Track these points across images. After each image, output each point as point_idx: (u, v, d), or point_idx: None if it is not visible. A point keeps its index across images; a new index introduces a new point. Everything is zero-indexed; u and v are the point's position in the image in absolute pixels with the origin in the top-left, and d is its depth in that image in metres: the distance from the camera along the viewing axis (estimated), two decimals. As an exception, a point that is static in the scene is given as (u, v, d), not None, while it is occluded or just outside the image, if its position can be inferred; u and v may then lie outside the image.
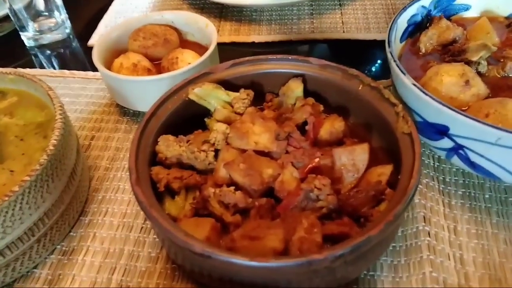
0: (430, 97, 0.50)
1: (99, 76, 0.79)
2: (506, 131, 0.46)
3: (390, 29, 0.60)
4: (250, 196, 0.49)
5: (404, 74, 0.53)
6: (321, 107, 0.59)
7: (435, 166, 0.62)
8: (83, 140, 0.69)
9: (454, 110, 0.48)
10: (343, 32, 0.90)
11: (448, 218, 0.56)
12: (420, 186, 0.59)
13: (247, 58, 0.62)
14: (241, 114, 0.58)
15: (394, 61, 0.55)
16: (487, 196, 0.58)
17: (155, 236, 0.56)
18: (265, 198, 0.49)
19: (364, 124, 0.59)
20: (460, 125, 0.49)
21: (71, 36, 0.95)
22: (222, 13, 0.98)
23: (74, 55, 0.93)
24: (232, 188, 0.49)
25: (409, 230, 0.54)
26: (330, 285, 0.44)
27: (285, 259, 0.39)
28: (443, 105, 0.49)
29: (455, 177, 0.60)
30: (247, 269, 0.40)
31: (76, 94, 0.78)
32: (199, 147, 0.53)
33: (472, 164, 0.53)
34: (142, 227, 0.57)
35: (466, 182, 0.60)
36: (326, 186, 0.48)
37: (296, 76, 0.61)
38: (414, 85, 0.52)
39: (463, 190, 0.59)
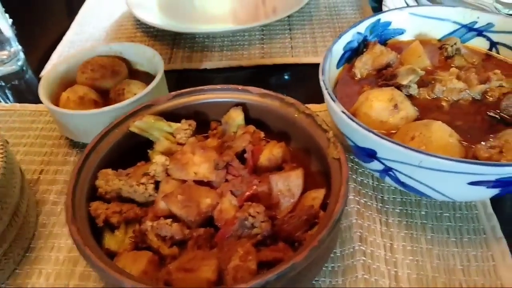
0: (357, 123, 0.52)
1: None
2: (427, 154, 0.48)
3: (324, 57, 0.63)
4: (188, 227, 0.51)
5: (334, 101, 0.56)
6: (262, 134, 0.61)
7: (374, 185, 0.64)
8: (32, 175, 0.69)
9: (378, 136, 0.51)
10: (292, 56, 0.93)
11: (384, 236, 0.58)
12: (358, 206, 0.61)
13: (188, 89, 0.64)
14: (183, 145, 0.59)
15: (326, 89, 0.58)
16: (423, 212, 0.61)
17: (100, 270, 0.56)
18: (203, 228, 0.51)
19: (303, 149, 0.61)
20: (386, 150, 0.51)
21: (24, 68, 0.96)
22: (175, 40, 1.00)
23: (28, 87, 0.93)
24: (169, 220, 0.50)
25: (347, 250, 0.56)
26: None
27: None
28: (369, 131, 0.51)
29: (393, 195, 0.63)
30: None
31: (26, 127, 0.79)
32: (139, 180, 0.54)
33: (403, 184, 0.55)
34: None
35: (404, 200, 0.63)
36: (260, 213, 0.50)
37: (237, 104, 0.63)
38: (343, 112, 0.54)
39: (400, 207, 0.62)
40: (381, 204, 0.62)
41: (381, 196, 0.63)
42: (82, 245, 0.44)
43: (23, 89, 0.93)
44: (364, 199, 0.62)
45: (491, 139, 0.55)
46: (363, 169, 0.66)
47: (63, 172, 0.70)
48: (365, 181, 0.65)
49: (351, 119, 0.53)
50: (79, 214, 0.49)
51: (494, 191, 0.51)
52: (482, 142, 0.54)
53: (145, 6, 1.04)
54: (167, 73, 0.91)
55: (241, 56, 0.94)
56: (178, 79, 0.88)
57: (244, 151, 0.59)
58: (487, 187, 0.50)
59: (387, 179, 0.57)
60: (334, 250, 0.56)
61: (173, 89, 0.66)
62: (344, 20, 1.02)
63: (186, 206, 0.51)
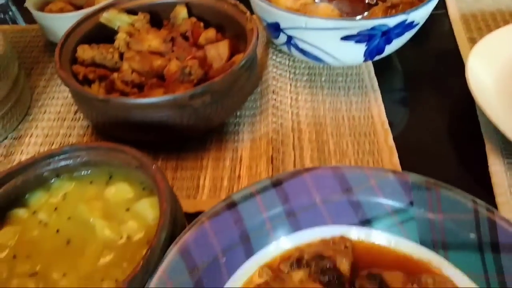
0: (264, 2, 0.73)
1: (34, 27, 0.98)
2: (308, 16, 0.69)
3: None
4: (144, 77, 0.71)
5: (250, -9, 0.76)
6: (201, 24, 0.81)
7: (289, 63, 0.85)
8: (24, 70, 0.88)
9: (277, 8, 0.71)
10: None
11: (292, 93, 0.79)
12: (274, 75, 0.82)
13: (144, -8, 0.83)
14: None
15: (246, -16, 0.78)
16: (323, 79, 0.82)
17: (82, 122, 0.76)
18: (155, 78, 0.71)
19: (235, 35, 0.82)
20: (283, 19, 0.72)
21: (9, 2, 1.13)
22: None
23: (13, 19, 1.11)
24: (130, 69, 0.70)
25: (263, 99, 0.77)
26: (199, 123, 0.66)
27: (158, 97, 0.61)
28: (271, 6, 0.72)
29: (302, 69, 0.84)
30: (137, 106, 0.61)
31: (16, 41, 0.97)
32: (108, 50, 0.74)
33: (303, 52, 0.76)
34: (72, 118, 0.78)
35: (310, 72, 0.84)
36: (194, 64, 0.70)
37: (181, 3, 0.83)
38: (255, -4, 0.75)
39: (307, 76, 0.83)
40: (293, 75, 0.83)
41: (294, 70, 0.84)
42: (65, 79, 0.64)
43: (9, 19, 1.10)
44: (280, 72, 0.83)
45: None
46: (281, 54, 0.87)
47: (50, 67, 0.89)
48: (283, 62, 0.86)
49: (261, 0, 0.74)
50: (65, 66, 0.68)
51: (362, 47, 0.73)
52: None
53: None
54: None
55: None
56: None
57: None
58: (355, 42, 0.71)
59: (292, 50, 0.78)
60: (253, 97, 0.77)
61: None
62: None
63: (142, 62, 0.71)
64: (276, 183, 0.52)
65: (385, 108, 0.75)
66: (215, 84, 0.63)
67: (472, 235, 0.47)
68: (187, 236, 0.46)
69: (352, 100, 0.78)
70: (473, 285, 0.47)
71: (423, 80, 0.83)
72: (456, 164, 0.68)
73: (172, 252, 0.45)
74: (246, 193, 0.51)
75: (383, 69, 0.84)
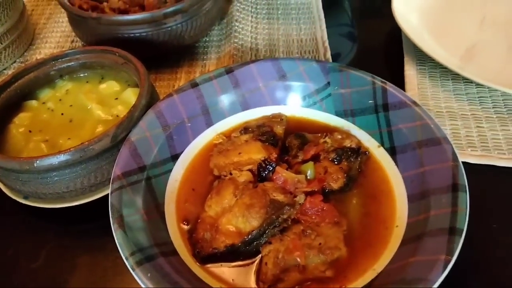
0: None
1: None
2: (261, -46, 0.84)
3: None
4: (128, 5, 0.86)
5: None
6: None
7: (252, 1, 1.01)
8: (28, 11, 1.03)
9: None
10: None
11: (253, 22, 0.95)
12: (238, 8, 0.98)
13: None
14: None
15: None
16: (280, 12, 0.98)
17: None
18: (137, 6, 0.86)
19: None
20: (242, -44, 0.87)
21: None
22: None
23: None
24: (115, -1, 0.85)
25: (228, 27, 0.93)
26: (173, 40, 0.82)
27: (138, 14, 0.77)
28: None
29: (263, 4, 1.00)
30: (122, 22, 0.77)
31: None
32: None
33: (260, -14, 0.92)
34: (69, 46, 0.93)
35: (269, 7, 0.99)
36: (169, -6, 0.85)
37: None
38: None
39: (266, 10, 0.99)
40: (254, 9, 0.99)
41: (255, 6, 1.00)
42: (66, 5, 0.79)
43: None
44: (243, 6, 0.99)
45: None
46: (245, -7, 1.03)
47: (48, 9, 1.04)
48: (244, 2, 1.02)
49: None
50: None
51: (306, -20, 0.88)
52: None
53: None
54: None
55: None
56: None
57: None
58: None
59: (252, -14, 0.93)
60: (220, 27, 0.93)
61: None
62: None
63: (126, -6, 0.86)
64: (229, 71, 0.68)
65: (328, 36, 0.91)
66: (184, 5, 0.79)
67: (371, 101, 0.64)
68: (160, 103, 0.63)
69: (301, 27, 0.94)
70: (371, 138, 0.64)
71: (364, 12, 0.99)
72: (379, 73, 0.85)
73: (149, 113, 0.62)
74: (206, 77, 0.67)
75: (331, 5, 1.00)
